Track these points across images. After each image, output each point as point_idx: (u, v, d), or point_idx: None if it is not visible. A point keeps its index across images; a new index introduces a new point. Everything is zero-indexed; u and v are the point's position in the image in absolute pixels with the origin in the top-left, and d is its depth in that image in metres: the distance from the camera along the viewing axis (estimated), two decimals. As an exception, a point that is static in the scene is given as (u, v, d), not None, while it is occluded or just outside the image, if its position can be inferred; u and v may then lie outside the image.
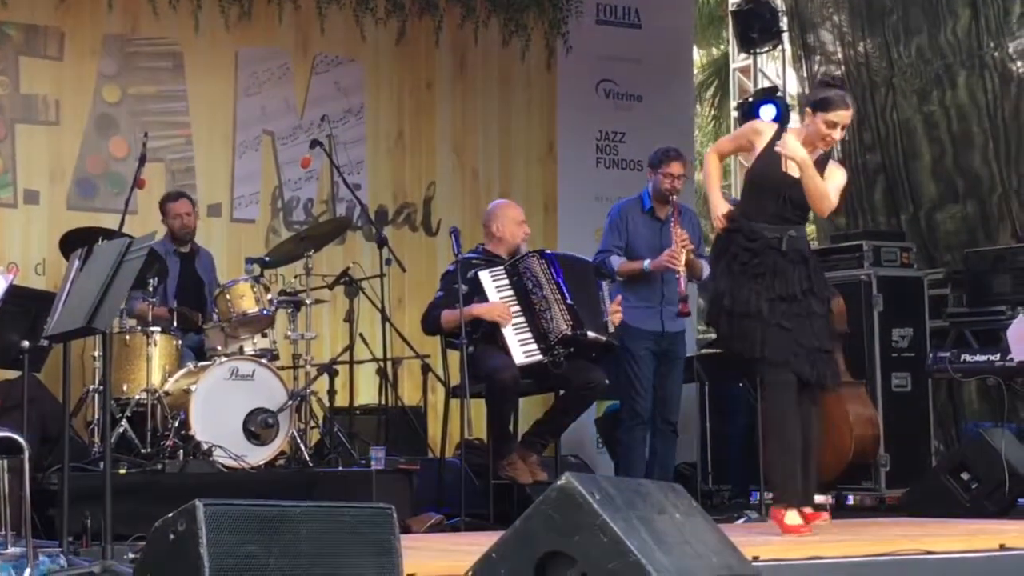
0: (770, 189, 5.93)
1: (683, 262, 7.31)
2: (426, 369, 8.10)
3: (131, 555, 4.76)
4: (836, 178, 5.96)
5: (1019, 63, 9.47)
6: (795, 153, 5.77)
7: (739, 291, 5.83)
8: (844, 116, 5.86)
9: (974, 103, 9.66)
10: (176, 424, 6.76)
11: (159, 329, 7.07)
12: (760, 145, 5.96)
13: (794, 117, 12.04)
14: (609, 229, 7.67)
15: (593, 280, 7.26)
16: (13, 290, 5.76)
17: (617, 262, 7.53)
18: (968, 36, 9.67)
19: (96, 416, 6.86)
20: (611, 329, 7.16)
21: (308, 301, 7.39)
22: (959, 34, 9.73)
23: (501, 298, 7.09)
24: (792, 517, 5.72)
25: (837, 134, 5.89)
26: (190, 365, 7.15)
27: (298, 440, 7.03)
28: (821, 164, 5.96)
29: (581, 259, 7.40)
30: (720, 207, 5.94)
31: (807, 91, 10.82)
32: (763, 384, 5.92)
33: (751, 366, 6.04)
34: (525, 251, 7.28)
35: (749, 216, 5.93)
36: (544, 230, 9.52)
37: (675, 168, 7.51)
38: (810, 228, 14.10)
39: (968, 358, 8.11)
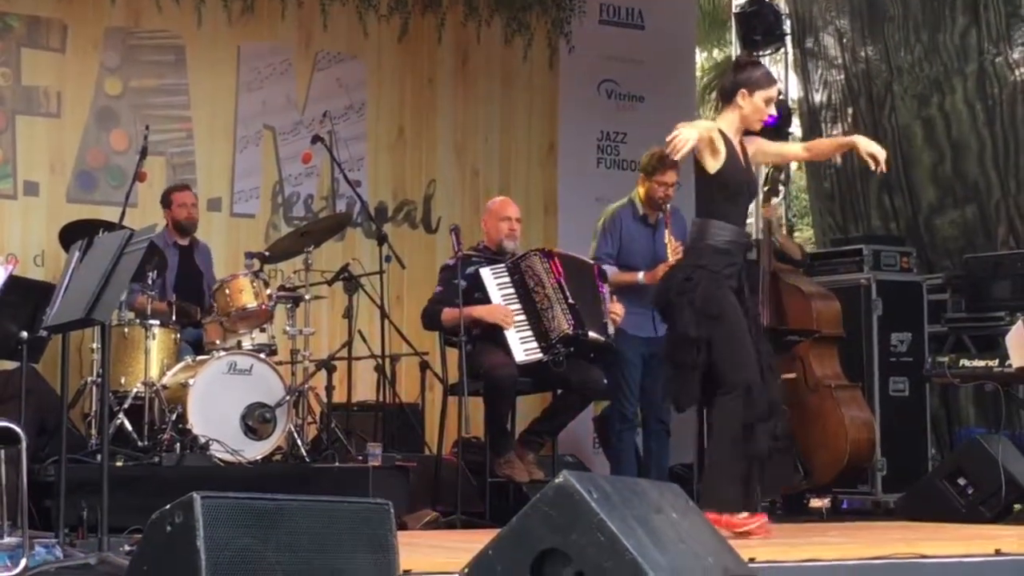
0: (741, 190, 5.89)
1: None
2: (424, 366, 8.10)
3: (127, 547, 4.78)
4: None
5: (1019, 70, 9.47)
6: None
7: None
8: (777, 91, 5.98)
9: (973, 109, 9.66)
10: (173, 418, 6.77)
11: (158, 322, 7.08)
12: (722, 148, 5.77)
13: (795, 121, 12.05)
14: (602, 236, 7.58)
15: (594, 281, 7.23)
16: (12, 281, 5.76)
17: (610, 271, 7.42)
18: (968, 42, 9.67)
19: (94, 408, 6.86)
20: (610, 331, 7.15)
21: (307, 297, 7.40)
22: (959, 40, 9.72)
23: (503, 296, 7.09)
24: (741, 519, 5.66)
25: (773, 110, 5.93)
26: (188, 359, 7.15)
27: (295, 435, 7.03)
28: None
29: (584, 260, 7.37)
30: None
31: (808, 96, 10.82)
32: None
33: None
34: (511, 248, 7.29)
35: (717, 219, 5.80)
36: (544, 230, 9.52)
37: (669, 177, 7.37)
38: (808, 232, 14.12)
39: (967, 363, 8.09)
